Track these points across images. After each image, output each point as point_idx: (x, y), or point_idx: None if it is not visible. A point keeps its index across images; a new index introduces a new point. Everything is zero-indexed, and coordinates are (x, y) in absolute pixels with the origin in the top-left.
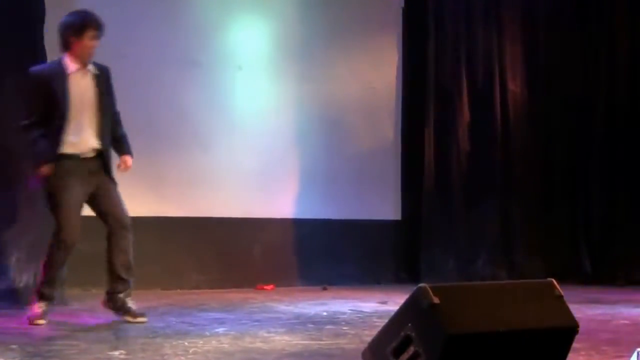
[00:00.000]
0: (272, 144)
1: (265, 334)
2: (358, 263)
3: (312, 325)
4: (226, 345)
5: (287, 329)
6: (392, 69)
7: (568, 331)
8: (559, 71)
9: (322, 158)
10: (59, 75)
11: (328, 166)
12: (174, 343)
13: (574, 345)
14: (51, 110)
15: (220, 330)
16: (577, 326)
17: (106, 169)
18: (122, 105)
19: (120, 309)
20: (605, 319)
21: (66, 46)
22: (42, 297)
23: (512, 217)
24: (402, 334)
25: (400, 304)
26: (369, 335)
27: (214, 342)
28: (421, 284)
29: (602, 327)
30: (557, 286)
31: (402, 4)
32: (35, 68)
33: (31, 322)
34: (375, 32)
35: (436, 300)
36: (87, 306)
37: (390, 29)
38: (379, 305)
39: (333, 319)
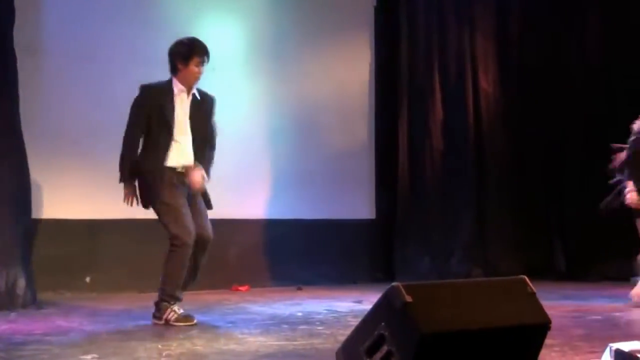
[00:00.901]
0: (246, 144)
1: (240, 335)
2: (333, 263)
3: (286, 326)
4: (200, 347)
5: (262, 329)
6: (365, 68)
7: (540, 328)
8: (532, 68)
9: (296, 158)
10: (167, 94)
11: (302, 166)
12: (147, 346)
13: (548, 341)
14: (158, 124)
15: (194, 332)
16: (550, 322)
17: None
18: (93, 107)
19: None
20: (578, 315)
21: (174, 70)
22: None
23: (486, 214)
24: (376, 333)
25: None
26: (344, 334)
27: (187, 344)
28: (394, 283)
29: (575, 323)
30: (530, 283)
31: (375, 3)
32: (146, 84)
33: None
34: (347, 31)
35: (409, 299)
36: (59, 310)
37: (362, 28)
38: (354, 305)
39: (308, 319)
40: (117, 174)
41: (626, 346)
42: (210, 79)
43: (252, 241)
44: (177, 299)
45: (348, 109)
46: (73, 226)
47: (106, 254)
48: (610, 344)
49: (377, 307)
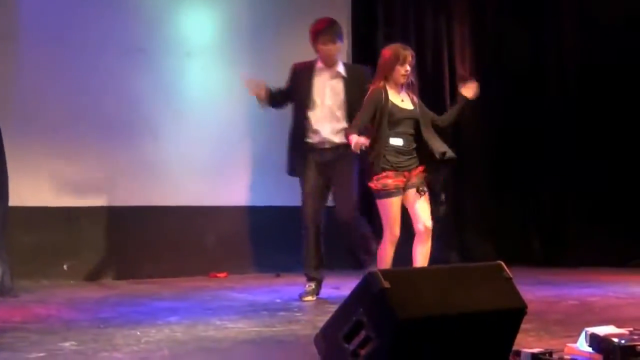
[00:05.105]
0: (224, 132)
1: (218, 322)
2: None
3: (265, 312)
4: (179, 334)
5: (240, 316)
6: (342, 56)
7: (517, 312)
8: (509, 54)
9: (275, 146)
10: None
11: (280, 154)
12: (125, 333)
13: (524, 326)
14: None
15: (173, 319)
16: (526, 307)
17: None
18: (69, 93)
19: None
20: (554, 300)
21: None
22: (308, 278)
23: (463, 200)
24: (354, 319)
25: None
26: (322, 321)
27: (166, 330)
28: (372, 269)
29: (551, 308)
30: (506, 268)
31: None
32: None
33: (300, 298)
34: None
35: (386, 284)
36: (37, 297)
37: (339, 16)
38: (332, 291)
39: (286, 306)
40: (93, 161)
41: (601, 330)
42: (186, 66)
43: (230, 228)
44: (312, 279)
45: None
46: (51, 213)
47: (84, 241)
48: (586, 329)
49: (355, 293)
